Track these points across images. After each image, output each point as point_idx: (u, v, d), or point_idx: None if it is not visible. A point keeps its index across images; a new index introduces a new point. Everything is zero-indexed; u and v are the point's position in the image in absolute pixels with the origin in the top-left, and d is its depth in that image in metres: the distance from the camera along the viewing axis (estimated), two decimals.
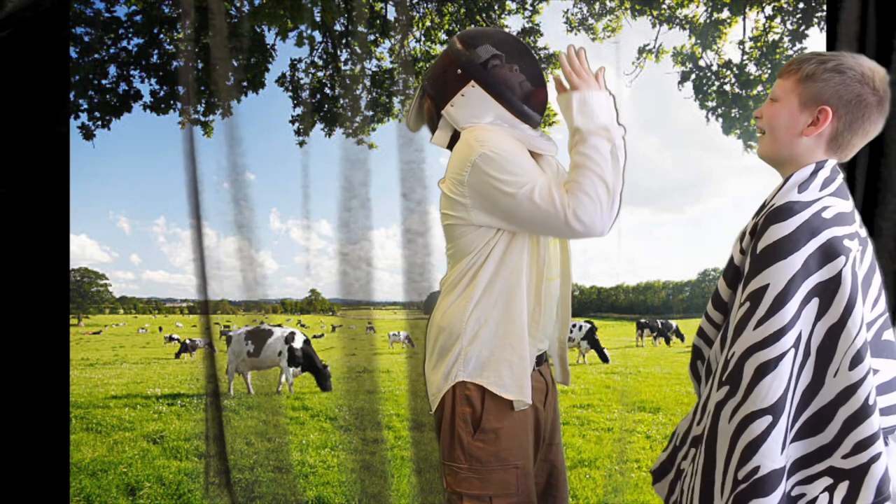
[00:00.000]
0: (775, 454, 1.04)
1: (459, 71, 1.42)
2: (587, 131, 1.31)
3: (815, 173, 1.14)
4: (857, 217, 1.16)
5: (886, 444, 1.09)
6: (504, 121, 1.42)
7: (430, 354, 1.45)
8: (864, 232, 1.15)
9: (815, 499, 1.07)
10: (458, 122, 1.44)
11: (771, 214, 1.09)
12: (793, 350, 1.05)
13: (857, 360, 1.04)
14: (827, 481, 1.07)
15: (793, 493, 1.09)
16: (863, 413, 1.04)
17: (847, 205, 1.13)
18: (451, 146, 1.49)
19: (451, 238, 1.43)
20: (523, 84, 1.44)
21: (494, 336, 1.37)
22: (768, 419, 1.04)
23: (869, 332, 1.11)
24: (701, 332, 1.29)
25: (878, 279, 1.15)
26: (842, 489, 1.05)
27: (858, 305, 1.05)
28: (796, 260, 1.05)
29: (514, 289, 1.37)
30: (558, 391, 1.61)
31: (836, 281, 1.04)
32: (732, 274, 1.19)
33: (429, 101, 1.50)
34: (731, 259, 1.20)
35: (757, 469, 1.04)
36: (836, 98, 1.12)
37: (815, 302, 1.05)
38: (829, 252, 1.05)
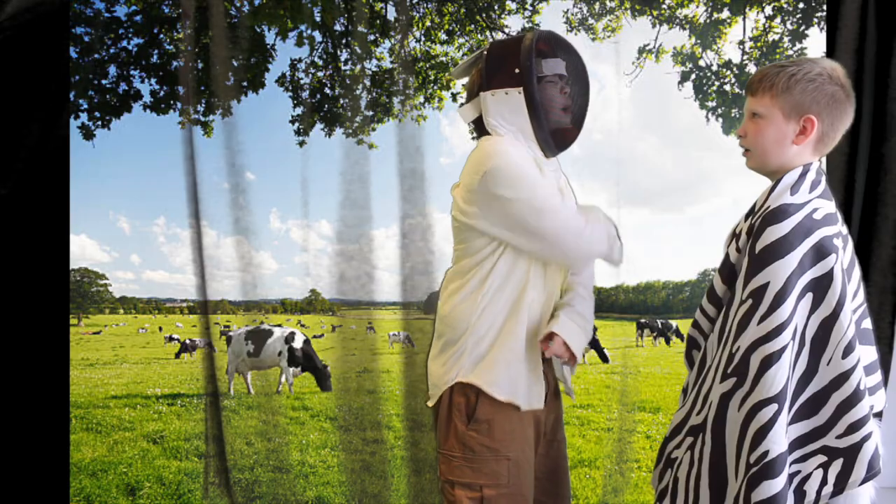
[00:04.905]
0: (781, 439, 1.13)
1: (517, 71, 1.38)
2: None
3: (803, 176, 1.22)
4: (839, 216, 1.25)
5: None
6: (525, 137, 1.42)
7: (435, 343, 1.48)
8: (845, 230, 1.25)
9: (810, 475, 1.17)
10: (487, 113, 1.43)
11: (767, 216, 1.18)
12: (791, 342, 1.14)
13: (849, 350, 1.14)
14: (820, 459, 1.16)
15: (790, 472, 1.17)
16: (855, 397, 1.14)
17: (832, 205, 1.22)
18: (477, 128, 1.50)
19: (459, 240, 1.45)
20: (564, 111, 1.44)
21: (498, 337, 1.40)
22: (774, 407, 1.12)
23: None
24: (696, 324, 1.37)
25: (857, 273, 1.25)
26: (836, 465, 1.15)
27: (848, 299, 1.14)
28: (792, 259, 1.13)
29: (520, 299, 1.40)
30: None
31: (828, 277, 1.14)
32: (728, 271, 1.27)
33: (477, 73, 1.47)
34: (727, 257, 1.29)
35: (766, 453, 1.12)
36: (815, 104, 1.21)
37: (809, 297, 1.14)
38: (822, 251, 1.14)
